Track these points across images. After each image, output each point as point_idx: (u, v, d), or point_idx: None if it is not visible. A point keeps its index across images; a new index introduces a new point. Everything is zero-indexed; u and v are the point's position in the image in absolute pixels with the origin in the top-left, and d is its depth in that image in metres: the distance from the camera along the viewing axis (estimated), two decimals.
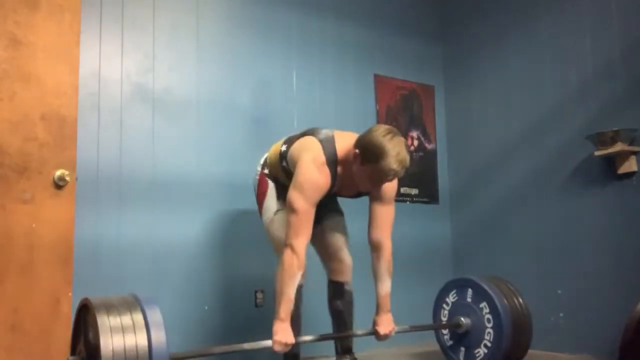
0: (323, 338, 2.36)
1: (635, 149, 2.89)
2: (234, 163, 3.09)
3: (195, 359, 2.16)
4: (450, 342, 2.77)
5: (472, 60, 3.91)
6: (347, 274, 2.46)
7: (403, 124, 3.86)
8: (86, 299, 1.74)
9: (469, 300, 2.67)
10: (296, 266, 2.10)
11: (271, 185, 2.44)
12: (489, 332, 2.57)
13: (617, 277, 2.95)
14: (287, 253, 2.12)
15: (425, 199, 3.89)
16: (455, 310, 2.73)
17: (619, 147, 2.87)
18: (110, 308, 1.67)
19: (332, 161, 2.20)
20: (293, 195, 2.15)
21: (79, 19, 2.46)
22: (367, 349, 3.23)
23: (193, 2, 3.10)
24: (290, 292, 2.11)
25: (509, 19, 3.67)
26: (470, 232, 3.87)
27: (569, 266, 3.20)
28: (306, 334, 2.32)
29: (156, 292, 2.71)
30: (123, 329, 1.63)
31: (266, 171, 2.49)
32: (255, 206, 2.54)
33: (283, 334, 2.09)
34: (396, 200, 3.67)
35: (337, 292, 2.45)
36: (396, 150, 2.05)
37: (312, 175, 2.15)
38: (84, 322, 1.77)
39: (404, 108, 3.89)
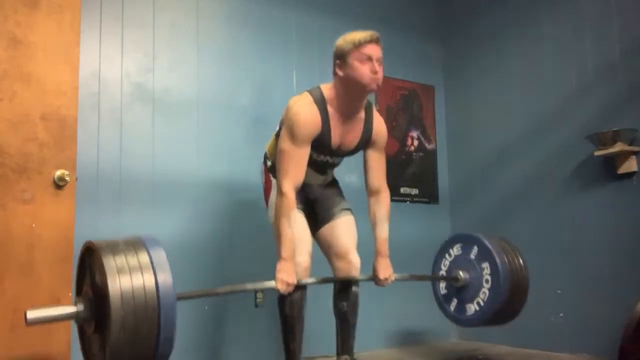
0: (325, 280, 2.35)
1: (635, 149, 2.89)
2: (234, 163, 3.09)
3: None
4: (445, 292, 2.80)
5: (472, 60, 3.91)
6: (355, 275, 2.44)
7: (403, 124, 3.87)
8: (90, 242, 1.73)
9: (472, 257, 2.67)
10: (286, 207, 2.19)
11: (274, 182, 2.44)
12: (484, 292, 2.59)
13: (617, 277, 2.95)
14: (278, 196, 2.23)
15: (425, 199, 3.89)
16: (456, 263, 2.74)
17: (619, 147, 2.87)
18: (115, 249, 1.67)
19: (320, 101, 2.28)
20: (281, 137, 2.25)
21: (79, 19, 2.46)
22: (367, 350, 3.23)
23: (193, 2, 3.11)
24: (288, 232, 2.18)
25: (509, 19, 3.67)
26: (470, 231, 3.85)
27: (569, 266, 3.20)
28: (308, 334, 2.32)
29: None
30: (130, 270, 1.63)
31: (269, 163, 2.50)
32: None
33: (285, 273, 2.15)
34: (396, 201, 3.71)
35: (343, 293, 2.43)
36: (356, 31, 2.26)
37: (299, 113, 2.23)
38: (89, 264, 1.75)
39: (404, 108, 3.89)
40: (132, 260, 1.66)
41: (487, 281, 2.59)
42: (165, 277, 1.68)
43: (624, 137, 2.88)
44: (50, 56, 2.36)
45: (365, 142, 2.43)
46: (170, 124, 2.94)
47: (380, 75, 2.25)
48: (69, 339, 2.29)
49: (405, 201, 3.78)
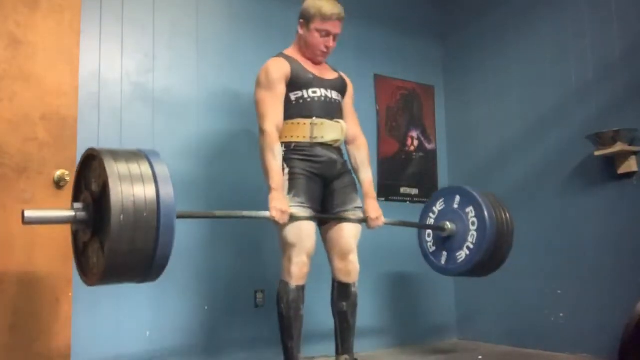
0: (316, 217, 2.38)
1: (635, 149, 2.89)
2: (234, 163, 3.09)
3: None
4: (433, 249, 2.82)
5: (472, 61, 3.91)
6: (355, 276, 2.45)
7: (403, 124, 3.86)
8: (92, 149, 1.72)
9: (455, 206, 2.73)
10: (269, 141, 2.32)
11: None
12: (472, 235, 2.62)
13: (617, 277, 2.95)
14: (260, 136, 2.37)
15: (425, 200, 3.88)
16: (441, 217, 2.78)
17: (619, 147, 2.87)
18: (118, 157, 1.66)
19: (282, 54, 2.51)
20: (255, 92, 2.44)
21: (79, 19, 2.46)
22: (367, 350, 3.23)
23: (193, 2, 3.10)
24: (274, 165, 2.30)
25: (509, 19, 3.67)
26: None
27: (569, 266, 3.20)
28: (308, 334, 2.32)
29: (156, 292, 2.71)
30: (132, 178, 1.62)
31: None
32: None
33: (278, 202, 2.24)
34: (396, 201, 3.71)
35: (343, 293, 2.44)
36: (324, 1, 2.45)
37: (264, 66, 2.44)
38: (90, 170, 1.74)
39: (404, 108, 3.89)
40: (135, 169, 1.65)
41: (473, 224, 2.63)
42: (167, 190, 1.68)
43: (624, 137, 2.88)
44: (50, 56, 2.36)
45: (342, 84, 2.59)
46: (170, 124, 2.94)
47: (330, 50, 2.51)
48: (69, 339, 2.30)
49: (406, 201, 3.78)
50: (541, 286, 3.32)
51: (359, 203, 2.51)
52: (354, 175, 2.58)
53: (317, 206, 2.43)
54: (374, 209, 2.49)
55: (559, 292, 3.24)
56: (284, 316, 2.33)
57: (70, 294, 2.30)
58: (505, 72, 3.67)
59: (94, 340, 2.57)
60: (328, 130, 2.43)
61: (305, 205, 2.33)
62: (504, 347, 3.45)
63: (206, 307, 2.91)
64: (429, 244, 2.84)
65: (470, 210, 2.65)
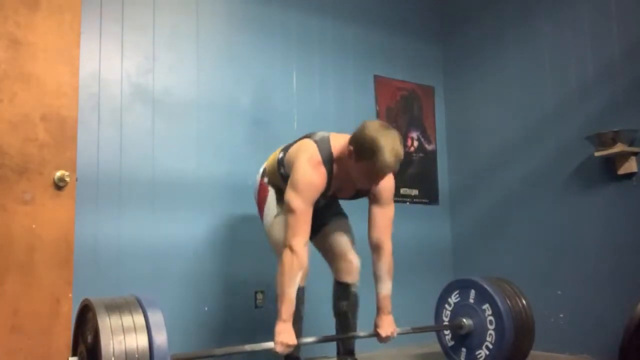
0: (326, 339, 2.35)
1: (635, 149, 2.89)
2: (234, 163, 3.09)
3: None
4: (452, 343, 2.76)
5: (472, 61, 3.91)
6: (355, 275, 2.44)
7: (403, 125, 3.86)
8: (87, 300, 1.74)
9: (471, 301, 2.66)
10: (296, 266, 2.10)
11: (271, 191, 2.45)
12: (490, 334, 2.56)
13: (617, 277, 2.95)
14: (287, 253, 2.12)
15: (425, 200, 3.89)
16: (457, 311, 2.72)
17: (619, 147, 2.87)
18: (112, 309, 1.66)
19: (328, 160, 2.21)
20: (290, 195, 2.16)
21: (79, 20, 2.46)
22: (368, 351, 3.23)
23: (193, 3, 3.11)
24: (291, 293, 2.11)
25: (508, 19, 3.67)
26: (470, 232, 3.86)
27: (569, 266, 3.20)
28: (308, 335, 2.32)
29: (156, 293, 2.69)
30: (124, 330, 1.62)
31: (265, 180, 2.50)
32: (254, 207, 2.54)
33: (285, 335, 2.08)
34: (396, 201, 3.68)
35: (343, 293, 2.44)
36: (390, 145, 2.08)
37: (308, 174, 2.16)
38: (85, 323, 1.76)
39: (404, 109, 3.89)
40: (127, 320, 1.65)
41: (491, 322, 2.56)
42: (160, 339, 1.66)
43: (624, 137, 2.88)
44: (50, 57, 2.36)
45: (361, 194, 2.38)
46: (170, 124, 2.94)
47: (375, 185, 2.25)
48: (69, 339, 2.29)
49: (406, 202, 3.78)
50: (541, 287, 3.31)
51: (338, 209, 2.51)
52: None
53: None
54: (387, 325, 2.37)
55: (559, 292, 3.24)
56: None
57: (70, 295, 2.30)
58: (505, 72, 3.67)
59: None
60: None
61: None
62: None
63: (206, 308, 2.91)
64: (447, 337, 2.78)
65: (486, 307, 2.57)
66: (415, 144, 3.91)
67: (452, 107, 4.06)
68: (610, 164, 3.00)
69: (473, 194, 3.86)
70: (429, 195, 3.92)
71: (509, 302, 2.56)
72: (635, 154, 2.90)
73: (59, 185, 2.32)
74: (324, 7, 3.59)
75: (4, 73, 2.25)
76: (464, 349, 2.69)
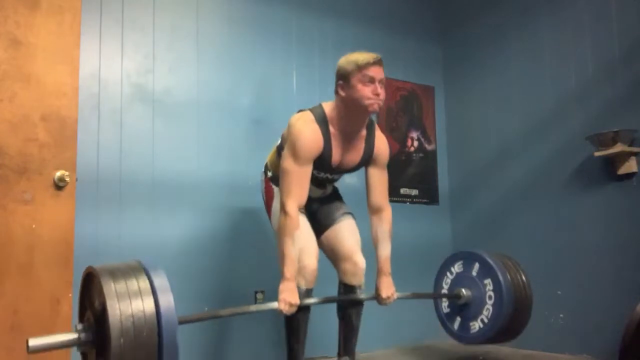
0: (327, 300, 2.35)
1: (635, 149, 2.89)
2: (234, 163, 3.09)
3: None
4: (448, 310, 2.79)
5: (472, 61, 3.91)
6: (360, 277, 2.43)
7: (403, 125, 3.87)
8: (91, 267, 1.73)
9: (474, 274, 2.67)
10: (290, 227, 2.17)
11: (276, 189, 2.45)
12: (488, 309, 2.58)
13: (617, 277, 2.95)
14: (282, 216, 2.20)
15: (425, 200, 3.89)
16: (458, 281, 2.74)
17: (619, 147, 2.87)
18: (116, 274, 1.66)
19: (322, 120, 2.29)
20: (283, 156, 2.25)
21: (79, 20, 2.46)
22: (367, 350, 3.23)
23: (193, 3, 3.11)
24: (291, 252, 2.17)
25: (508, 19, 3.67)
26: (470, 232, 3.87)
27: (568, 266, 3.20)
28: (311, 337, 2.31)
29: None
30: (130, 295, 1.62)
31: (270, 174, 2.50)
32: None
33: (288, 293, 2.13)
34: (396, 201, 3.71)
35: (348, 295, 2.43)
36: (359, 52, 2.28)
37: (302, 132, 2.23)
38: (90, 290, 1.76)
39: (404, 109, 3.89)
40: (132, 284, 1.66)
41: (490, 297, 2.58)
42: (167, 301, 1.67)
43: (624, 137, 2.88)
44: (50, 57, 2.36)
45: (366, 160, 2.42)
46: (170, 124, 2.94)
47: (382, 96, 2.25)
48: None
49: (406, 202, 3.78)
50: (541, 287, 3.31)
51: (345, 209, 2.53)
52: (337, 190, 2.58)
53: (311, 218, 2.45)
54: (387, 287, 2.40)
55: (559, 292, 3.24)
56: (293, 319, 2.30)
57: (70, 295, 2.31)
58: (505, 72, 3.68)
59: None
60: (311, 192, 2.38)
61: (301, 211, 2.33)
62: (504, 348, 3.44)
63: (206, 308, 2.91)
64: (444, 304, 2.81)
65: (488, 282, 2.59)
66: (415, 144, 3.91)
67: (452, 107, 4.06)
68: (610, 164, 3.00)
69: (473, 194, 3.86)
70: (429, 195, 3.92)
71: (509, 276, 2.58)
72: (635, 154, 2.90)
73: (59, 185, 2.32)
74: (324, 7, 3.59)
75: (4, 73, 2.25)
76: (458, 318, 2.72)
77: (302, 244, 2.28)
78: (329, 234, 2.47)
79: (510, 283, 2.57)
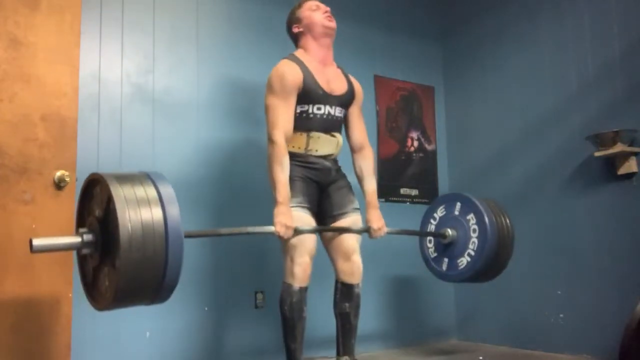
0: (321, 230, 2.40)
1: (635, 149, 2.89)
2: (234, 163, 3.09)
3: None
4: (435, 255, 2.84)
5: (472, 61, 3.91)
6: (358, 276, 2.44)
7: (403, 125, 3.87)
8: (95, 174, 1.72)
9: (456, 213, 2.74)
10: (278, 154, 2.29)
11: None
12: (473, 242, 2.64)
13: (617, 277, 2.95)
14: (269, 146, 2.33)
15: (425, 200, 3.89)
16: (442, 223, 2.79)
17: (619, 147, 2.87)
18: (123, 180, 1.65)
19: (295, 58, 2.46)
20: (266, 96, 2.41)
21: (79, 20, 2.46)
22: (367, 350, 3.23)
23: (193, 4, 3.11)
24: (281, 177, 2.27)
25: (508, 19, 3.68)
26: None
27: (568, 266, 3.20)
28: (310, 335, 2.31)
29: None
30: (137, 201, 1.61)
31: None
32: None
33: (283, 217, 2.21)
34: (396, 201, 3.71)
35: (346, 294, 2.44)
36: None
37: (278, 69, 2.39)
38: (92, 197, 1.73)
39: (404, 109, 3.89)
40: (140, 191, 1.64)
41: (474, 231, 2.64)
42: (174, 212, 1.67)
43: (624, 137, 2.88)
44: (50, 57, 2.36)
45: (351, 93, 2.56)
46: (170, 124, 2.94)
47: (334, 26, 2.53)
48: (69, 340, 2.29)
49: (406, 202, 3.78)
50: (541, 287, 3.32)
51: (356, 204, 2.52)
52: (348, 180, 2.58)
53: (315, 208, 2.44)
54: (377, 218, 2.48)
55: (559, 292, 3.24)
56: (288, 318, 2.32)
57: (70, 295, 2.30)
58: (505, 72, 3.68)
59: (94, 341, 2.57)
60: (323, 144, 2.46)
61: (304, 205, 2.34)
62: (504, 348, 3.45)
63: (206, 308, 2.91)
64: (430, 250, 2.85)
65: (471, 217, 2.66)
66: (415, 144, 3.91)
67: (452, 107, 4.06)
68: (610, 164, 3.00)
69: (473, 194, 3.85)
70: (429, 195, 3.91)
71: (494, 216, 2.65)
72: (635, 154, 2.90)
73: (59, 185, 2.32)
74: None
75: (4, 73, 2.25)
76: (446, 259, 2.76)
77: (298, 241, 2.29)
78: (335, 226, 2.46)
79: (491, 214, 2.64)
